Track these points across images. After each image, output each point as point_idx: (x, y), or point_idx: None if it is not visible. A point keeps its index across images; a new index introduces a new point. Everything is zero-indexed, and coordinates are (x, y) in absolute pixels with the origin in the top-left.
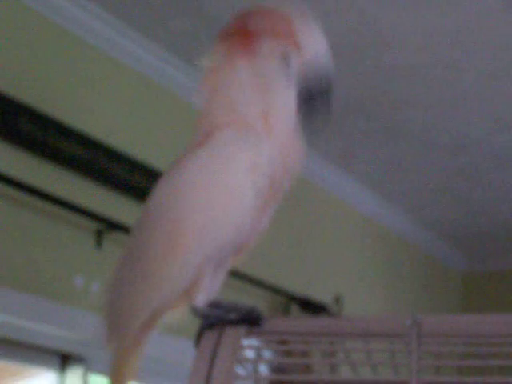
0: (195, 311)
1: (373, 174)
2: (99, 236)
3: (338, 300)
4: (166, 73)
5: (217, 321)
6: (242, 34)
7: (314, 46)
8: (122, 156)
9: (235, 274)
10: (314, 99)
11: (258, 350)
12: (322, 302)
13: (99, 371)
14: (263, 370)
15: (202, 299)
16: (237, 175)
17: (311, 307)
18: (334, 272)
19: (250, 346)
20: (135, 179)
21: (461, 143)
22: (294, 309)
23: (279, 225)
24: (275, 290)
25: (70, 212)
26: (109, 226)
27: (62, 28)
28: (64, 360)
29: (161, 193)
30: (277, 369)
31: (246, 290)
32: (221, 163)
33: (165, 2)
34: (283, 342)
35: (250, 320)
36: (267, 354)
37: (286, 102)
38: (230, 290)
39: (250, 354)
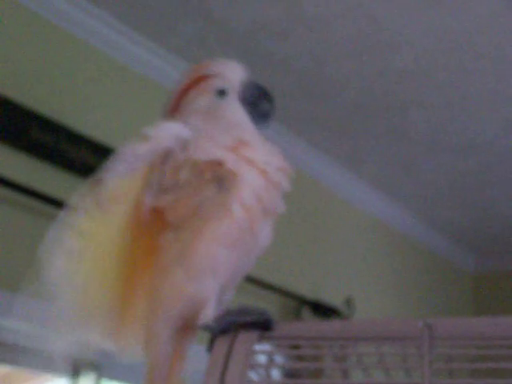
0: (206, 327)
1: (382, 176)
2: None
3: (349, 303)
4: (176, 78)
5: (229, 325)
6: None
7: (232, 71)
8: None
9: (246, 278)
10: (257, 103)
11: (270, 354)
12: (333, 304)
13: (112, 377)
14: (276, 374)
15: (211, 314)
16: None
17: (322, 310)
18: (344, 275)
19: (262, 350)
20: None
21: (470, 145)
22: (305, 312)
23: (289, 228)
24: (286, 294)
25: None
26: None
27: (70, 35)
28: (76, 366)
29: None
30: (289, 373)
31: (257, 294)
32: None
33: (173, 7)
34: (295, 347)
35: (262, 323)
36: (279, 358)
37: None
38: (241, 294)
39: (262, 358)
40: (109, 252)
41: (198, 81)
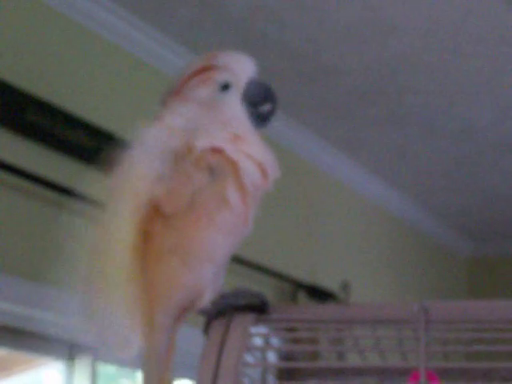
0: (202, 310)
1: (379, 161)
2: None
3: (345, 287)
4: (173, 62)
5: (225, 308)
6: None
7: (240, 66)
8: (130, 146)
9: (242, 262)
10: (258, 105)
11: (266, 337)
12: (329, 288)
13: (107, 360)
14: (272, 357)
15: (207, 299)
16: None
17: (318, 294)
18: (341, 259)
19: (258, 333)
20: None
21: (466, 130)
22: (302, 296)
23: (286, 212)
24: (282, 278)
25: (77, 201)
26: None
27: (67, 18)
28: (72, 349)
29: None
30: (285, 356)
31: (253, 278)
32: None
33: None
34: (291, 330)
35: (258, 306)
36: (275, 341)
37: (235, 116)
38: (237, 278)
39: (258, 341)
40: (122, 242)
41: (204, 69)
